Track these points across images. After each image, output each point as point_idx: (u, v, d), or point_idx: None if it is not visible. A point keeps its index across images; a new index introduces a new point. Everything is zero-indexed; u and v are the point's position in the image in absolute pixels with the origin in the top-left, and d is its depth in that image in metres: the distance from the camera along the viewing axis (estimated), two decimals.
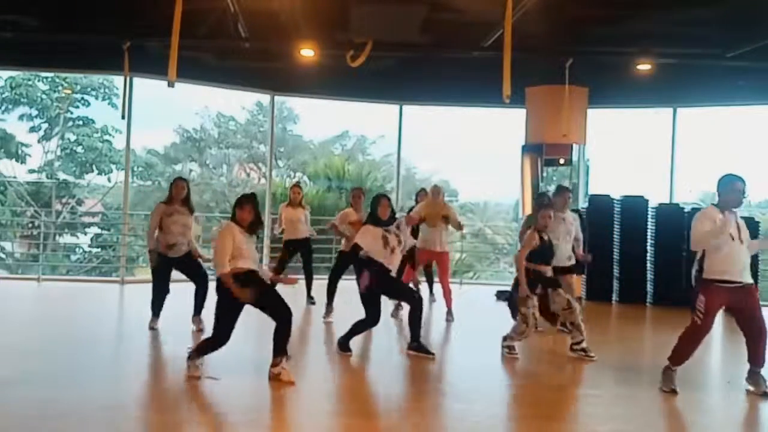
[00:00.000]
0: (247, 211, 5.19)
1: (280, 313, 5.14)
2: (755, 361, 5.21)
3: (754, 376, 5.24)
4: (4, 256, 17.37)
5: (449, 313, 8.06)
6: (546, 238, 6.26)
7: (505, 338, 6.30)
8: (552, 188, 9.84)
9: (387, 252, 6.04)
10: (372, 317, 6.07)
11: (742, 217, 5.27)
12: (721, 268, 5.05)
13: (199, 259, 6.93)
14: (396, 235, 6.13)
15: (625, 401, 5.09)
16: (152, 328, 6.88)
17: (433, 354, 6.11)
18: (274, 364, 5.16)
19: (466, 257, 17.07)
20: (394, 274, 6.24)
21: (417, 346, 6.15)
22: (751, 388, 5.22)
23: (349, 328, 6.16)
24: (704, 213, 5.19)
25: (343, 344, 6.14)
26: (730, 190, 5.10)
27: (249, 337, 6.75)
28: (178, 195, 6.84)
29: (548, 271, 6.26)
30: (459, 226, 8.11)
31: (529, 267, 6.11)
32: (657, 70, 9.44)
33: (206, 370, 5.21)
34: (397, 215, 6.68)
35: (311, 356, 6.50)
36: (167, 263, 6.83)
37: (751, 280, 5.17)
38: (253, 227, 5.25)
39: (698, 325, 5.13)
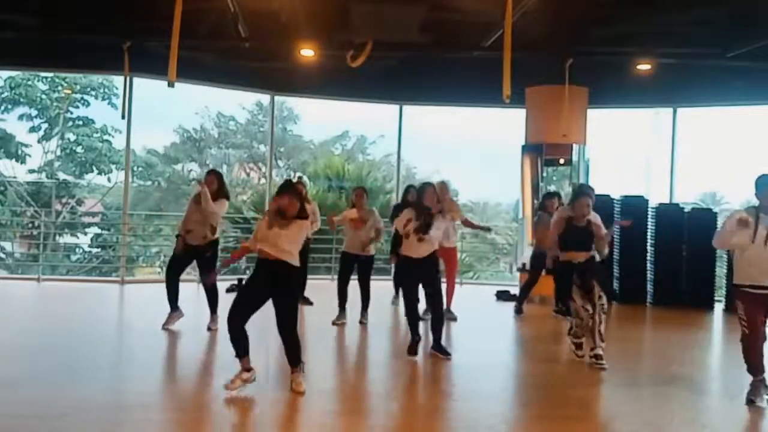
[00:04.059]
0: (283, 199, 4.98)
1: (280, 322, 4.94)
2: None
3: None
4: (4, 256, 17.36)
5: (448, 311, 7.85)
6: (581, 225, 6.05)
7: (569, 332, 6.26)
8: (553, 188, 9.86)
9: (403, 234, 6.06)
10: (406, 299, 6.17)
11: None
12: (746, 272, 4.87)
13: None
14: (418, 222, 6.00)
15: (625, 401, 5.09)
16: (164, 327, 6.86)
17: (449, 355, 6.11)
18: (291, 372, 4.99)
19: (466, 257, 17.07)
20: (418, 256, 6.05)
21: (438, 347, 6.16)
22: None
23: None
24: (734, 214, 4.94)
25: (412, 347, 6.14)
26: (766, 191, 4.78)
27: (252, 339, 6.75)
28: (210, 187, 6.90)
29: (579, 257, 6.03)
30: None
31: (561, 256, 6.09)
32: (657, 70, 9.45)
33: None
34: None
35: (312, 356, 6.49)
36: (184, 251, 6.90)
37: None
38: (282, 213, 4.95)
39: (747, 334, 4.91)
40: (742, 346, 5.01)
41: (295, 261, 4.91)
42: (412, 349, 6.12)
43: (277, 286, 4.88)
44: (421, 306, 6.47)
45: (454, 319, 7.92)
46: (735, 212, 5.02)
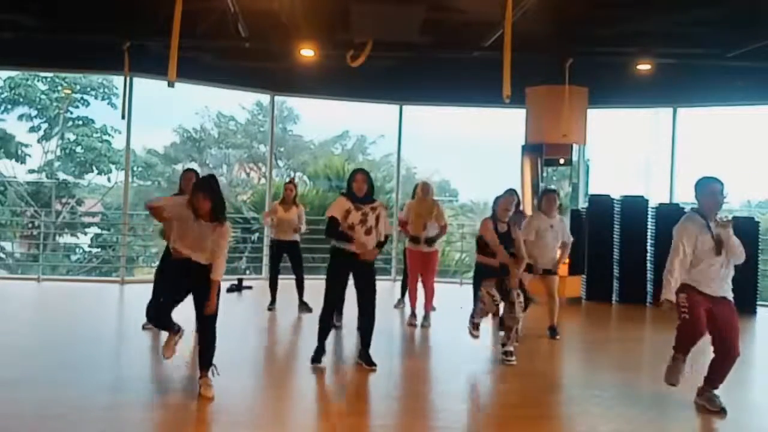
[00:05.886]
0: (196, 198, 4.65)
1: (202, 325, 4.79)
2: (713, 381, 4.87)
3: (707, 394, 4.88)
4: (4, 256, 17.37)
5: (426, 317, 7.62)
6: (504, 230, 6.14)
7: (470, 317, 6.31)
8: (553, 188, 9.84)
9: (344, 227, 5.54)
10: (331, 297, 5.65)
11: (742, 218, 5.12)
12: (696, 278, 4.82)
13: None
14: (363, 214, 5.56)
15: (625, 401, 5.09)
16: (144, 327, 6.86)
17: (375, 366, 5.68)
18: (200, 376, 4.83)
19: (466, 257, 17.05)
20: (360, 249, 5.54)
21: (366, 357, 5.73)
22: (706, 405, 4.85)
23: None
24: (685, 227, 4.92)
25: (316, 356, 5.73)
26: (706, 193, 4.86)
27: (248, 337, 6.75)
28: (188, 187, 6.78)
29: (496, 264, 6.11)
30: (443, 229, 7.73)
31: (481, 260, 6.19)
32: (657, 70, 9.45)
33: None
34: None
35: (308, 356, 6.48)
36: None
37: (730, 297, 4.84)
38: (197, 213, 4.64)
39: (688, 320, 4.78)
40: (682, 332, 4.86)
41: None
42: (318, 358, 5.69)
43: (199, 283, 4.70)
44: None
45: (429, 325, 7.57)
46: (684, 228, 4.94)
